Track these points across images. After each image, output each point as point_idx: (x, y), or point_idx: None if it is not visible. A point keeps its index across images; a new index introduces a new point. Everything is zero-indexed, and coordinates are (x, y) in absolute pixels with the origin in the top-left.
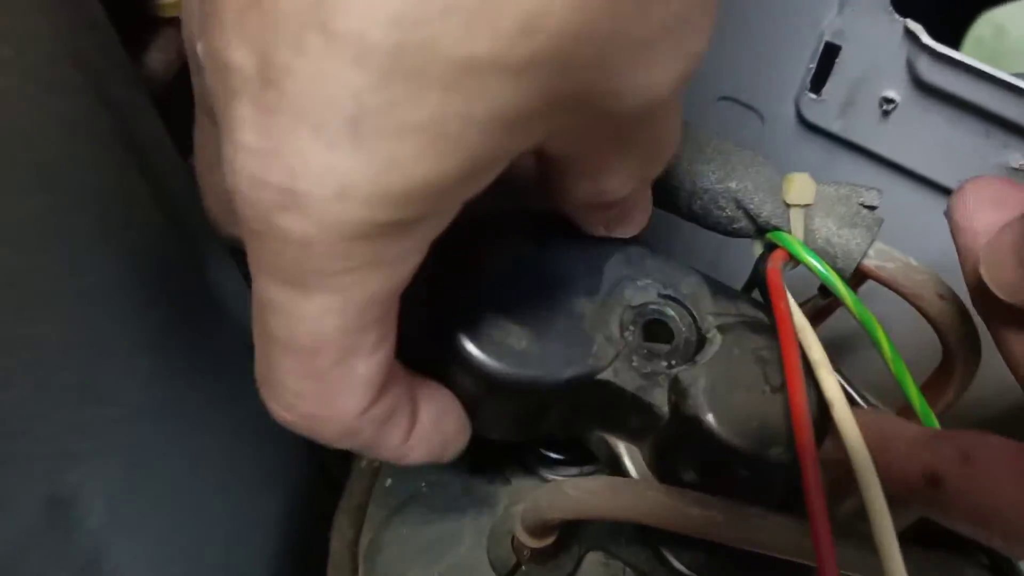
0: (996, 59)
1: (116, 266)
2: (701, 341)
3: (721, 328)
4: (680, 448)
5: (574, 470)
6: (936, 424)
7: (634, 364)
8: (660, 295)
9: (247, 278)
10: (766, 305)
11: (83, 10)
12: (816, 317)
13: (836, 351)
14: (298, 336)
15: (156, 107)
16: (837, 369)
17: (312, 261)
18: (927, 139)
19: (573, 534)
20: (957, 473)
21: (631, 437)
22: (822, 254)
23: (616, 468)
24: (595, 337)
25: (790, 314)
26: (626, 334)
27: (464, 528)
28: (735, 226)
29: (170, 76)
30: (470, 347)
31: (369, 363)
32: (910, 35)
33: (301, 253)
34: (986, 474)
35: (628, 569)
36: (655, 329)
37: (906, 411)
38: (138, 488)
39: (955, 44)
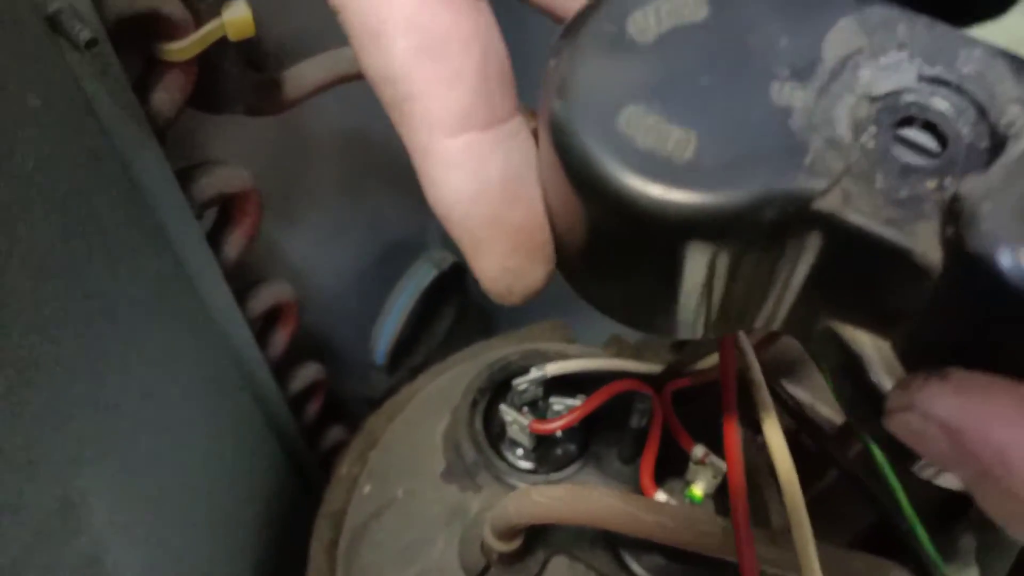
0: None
1: (121, 290)
2: (997, 146)
3: None
4: (965, 323)
5: (542, 478)
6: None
7: (879, 186)
8: (922, 77)
9: (236, 295)
10: None
11: (99, 59)
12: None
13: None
14: None
15: (160, 138)
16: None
17: None
18: None
19: (539, 539)
20: None
21: (877, 323)
22: None
23: (859, 379)
24: (810, 141)
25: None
26: (865, 137)
27: (437, 533)
28: None
29: (174, 113)
30: (599, 155)
31: None
32: None
33: None
34: None
35: (591, 572)
36: (918, 132)
37: None
38: (135, 493)
39: None
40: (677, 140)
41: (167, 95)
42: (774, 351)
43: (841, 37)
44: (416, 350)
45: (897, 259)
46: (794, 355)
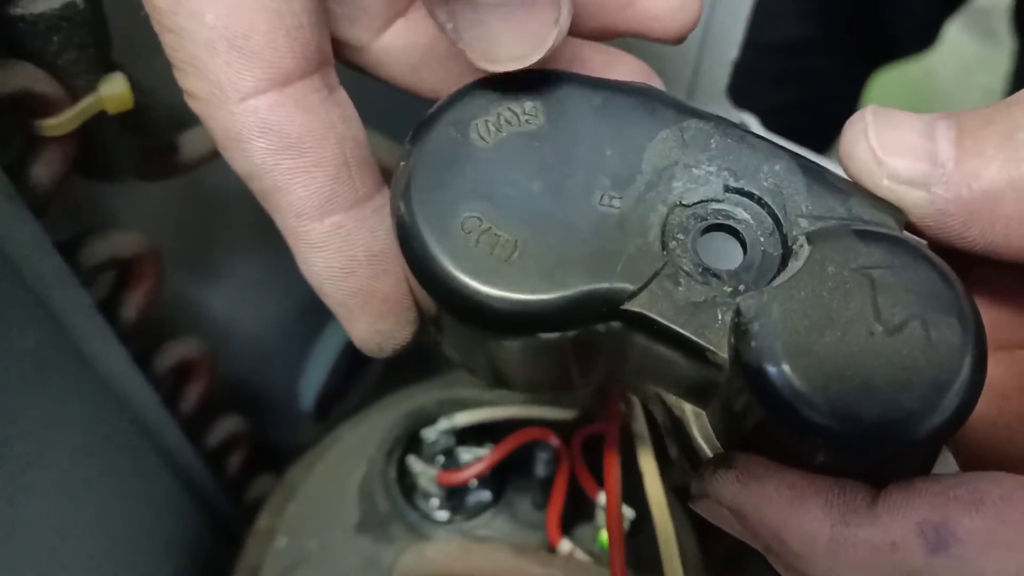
0: (928, 101)
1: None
2: (786, 256)
3: (814, 236)
4: (756, 419)
5: (456, 528)
6: None
7: (680, 288)
8: (728, 188)
9: (136, 359)
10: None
11: None
12: None
13: None
14: None
15: (40, 211)
16: None
17: None
18: None
19: None
20: (973, 524)
21: (692, 397)
22: None
23: (682, 438)
24: (624, 247)
25: (618, 394)
26: (673, 244)
27: None
28: None
29: (55, 186)
30: (436, 256)
31: None
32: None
33: None
34: (1017, 516)
35: None
36: (720, 239)
37: None
38: (18, 564)
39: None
40: (504, 244)
41: (46, 169)
42: None
43: (660, 149)
44: (347, 396)
45: (695, 353)
46: None
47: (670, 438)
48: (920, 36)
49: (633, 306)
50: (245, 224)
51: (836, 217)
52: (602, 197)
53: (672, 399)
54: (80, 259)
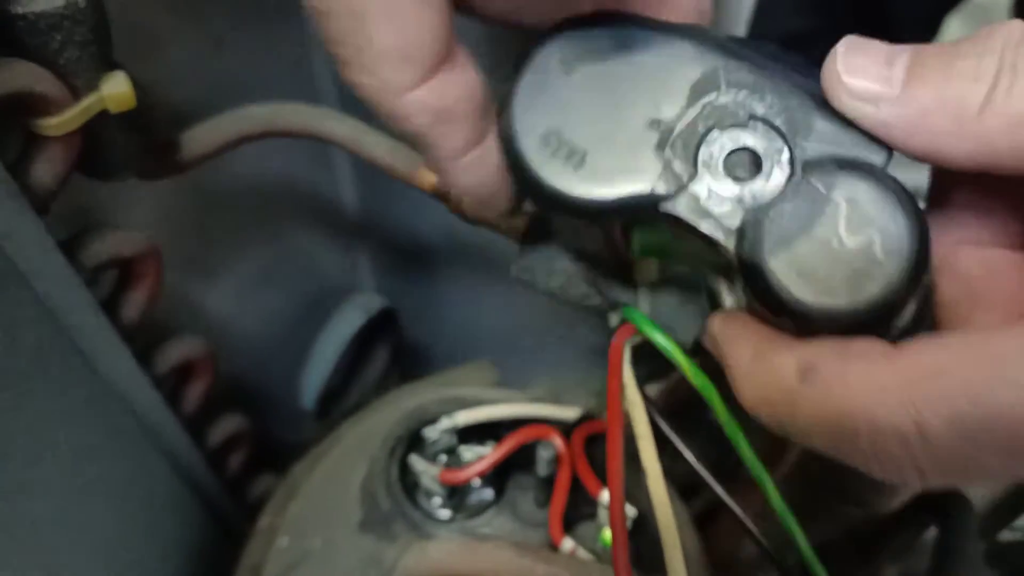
0: None
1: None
2: (793, 175)
3: (807, 165)
4: (749, 295)
5: (458, 526)
6: (771, 487)
7: (706, 196)
8: (752, 117)
9: (138, 359)
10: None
11: None
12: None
13: None
14: None
15: (42, 209)
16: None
17: None
18: None
19: None
20: (833, 364)
21: (721, 275)
22: (666, 328)
23: (715, 304)
24: (666, 160)
25: (620, 393)
26: (703, 161)
27: None
28: (588, 302)
29: (57, 185)
30: (529, 163)
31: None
32: None
33: None
34: (864, 362)
35: None
36: (743, 158)
37: None
38: (23, 562)
39: None
40: (577, 155)
41: (48, 168)
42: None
43: (703, 83)
44: (348, 395)
45: (712, 245)
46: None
47: (710, 299)
48: (920, 29)
49: (668, 208)
50: (245, 223)
51: (837, 145)
52: (652, 120)
53: (710, 275)
54: (82, 258)
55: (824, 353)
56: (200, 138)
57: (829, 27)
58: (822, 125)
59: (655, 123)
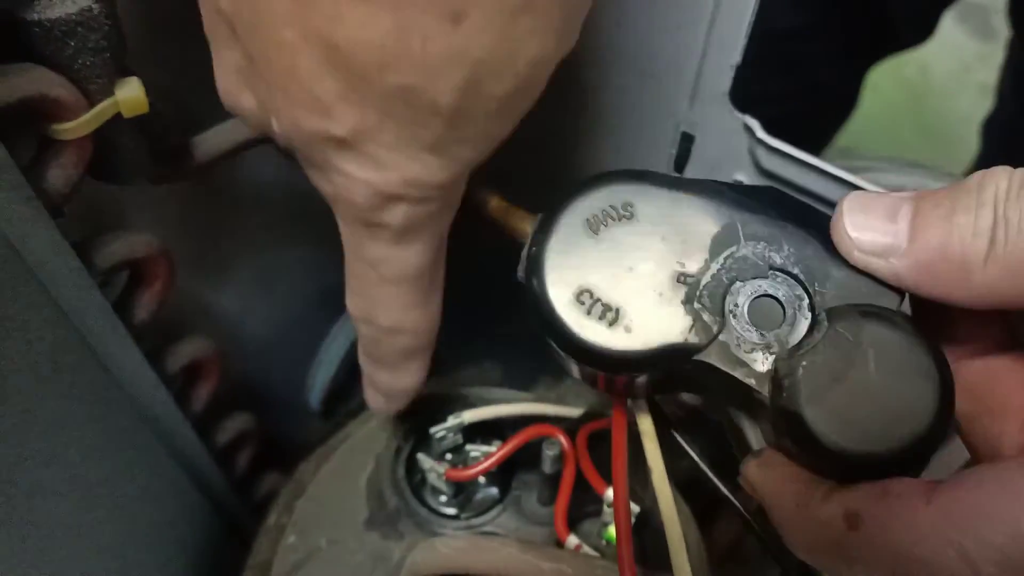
0: (923, 96)
1: (9, 365)
2: (815, 321)
3: (831, 314)
4: (781, 434)
5: (464, 524)
6: None
7: (736, 345)
8: (773, 267)
9: (148, 359)
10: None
11: None
12: None
13: None
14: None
15: (56, 212)
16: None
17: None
18: None
19: None
20: (876, 509)
21: (749, 415)
22: None
23: (742, 442)
24: (695, 312)
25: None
26: (730, 311)
27: None
28: None
29: (71, 189)
30: (565, 322)
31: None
32: (748, 129)
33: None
34: (905, 505)
35: None
36: (766, 306)
37: None
38: (36, 560)
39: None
40: (611, 312)
41: (62, 172)
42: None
43: (722, 236)
44: (352, 395)
45: (747, 391)
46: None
47: (736, 444)
48: (917, 27)
49: (702, 357)
50: (252, 224)
51: (852, 291)
52: (680, 276)
53: (736, 413)
54: (95, 260)
55: (867, 499)
56: (210, 143)
57: (824, 25)
58: (837, 273)
59: (682, 276)
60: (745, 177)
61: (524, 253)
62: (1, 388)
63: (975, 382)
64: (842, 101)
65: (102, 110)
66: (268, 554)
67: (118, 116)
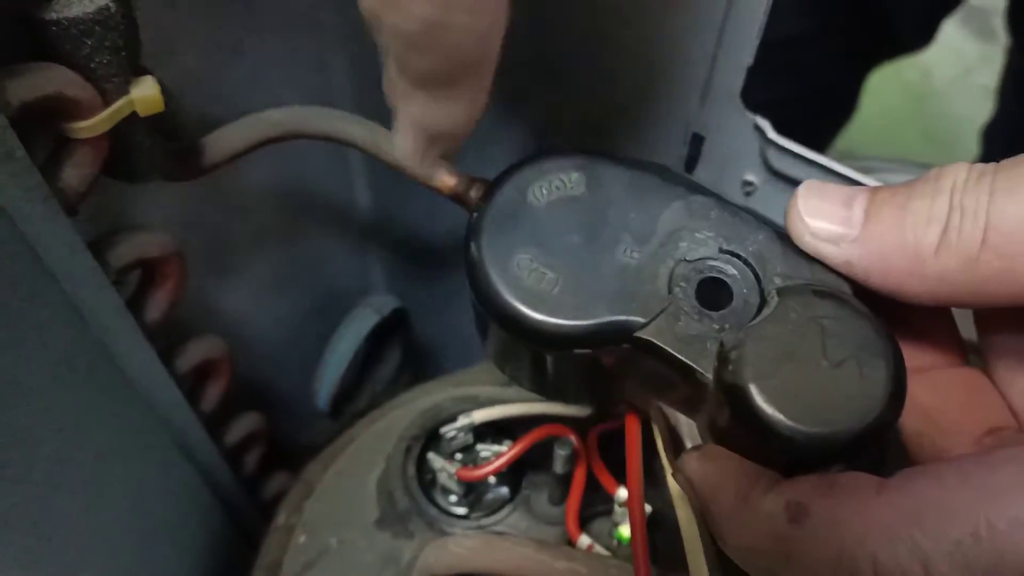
0: (924, 99)
1: (26, 364)
2: (761, 304)
3: (783, 291)
4: (730, 424)
5: (474, 524)
6: None
7: (680, 323)
8: (722, 250)
9: (161, 356)
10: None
11: (3, 146)
12: None
13: None
14: None
15: (70, 211)
16: None
17: None
18: (782, 217)
19: None
20: (823, 500)
21: (685, 407)
22: None
23: (676, 441)
24: (639, 290)
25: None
26: (676, 290)
27: None
28: None
29: (86, 187)
30: (498, 286)
31: None
32: (759, 129)
33: None
34: (855, 497)
35: None
36: (713, 288)
37: None
38: (50, 560)
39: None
40: (548, 280)
41: (77, 171)
42: None
43: (672, 216)
44: (360, 395)
45: (688, 373)
46: None
47: (666, 441)
48: (918, 32)
49: (643, 334)
50: (260, 225)
51: (802, 278)
52: (625, 250)
53: (670, 411)
54: (108, 260)
55: (812, 491)
56: (222, 141)
57: (827, 29)
58: (788, 259)
59: (627, 251)
60: (755, 177)
61: (467, 220)
62: (18, 388)
63: (921, 398)
64: (842, 104)
65: (118, 109)
66: (278, 554)
67: (133, 115)
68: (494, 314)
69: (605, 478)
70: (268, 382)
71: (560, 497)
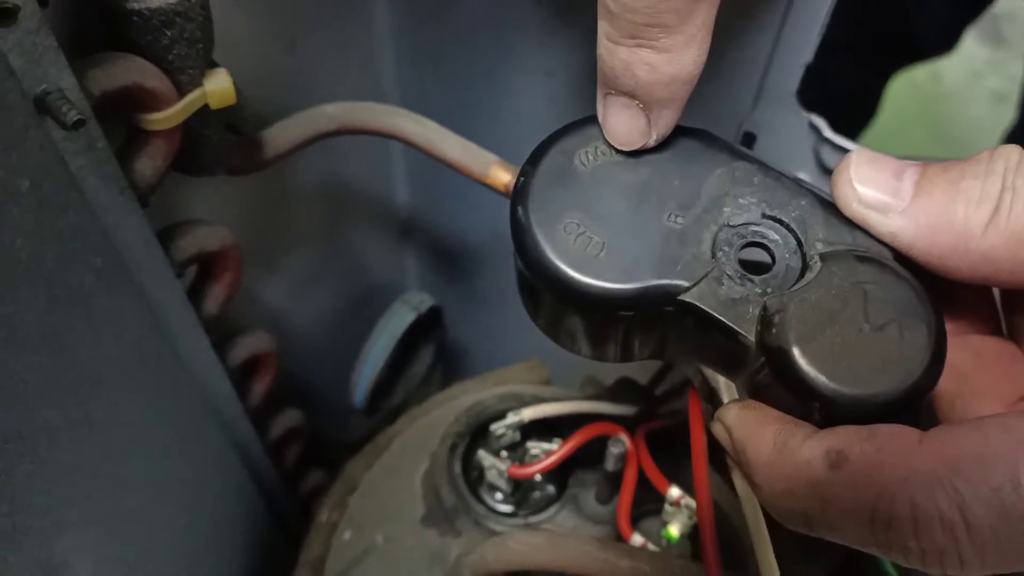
0: (935, 102)
1: (103, 356)
2: (804, 270)
3: (825, 256)
4: (771, 385)
5: (521, 521)
6: None
7: (723, 287)
8: (764, 216)
9: (215, 348)
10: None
11: (85, 136)
12: None
13: None
14: None
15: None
16: None
17: None
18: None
19: None
20: (862, 449)
21: (725, 370)
22: None
23: (715, 402)
24: (683, 254)
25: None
26: (720, 254)
27: None
28: None
29: (157, 179)
30: (545, 250)
31: None
32: (814, 128)
33: None
34: (896, 444)
35: None
36: (755, 253)
37: None
38: (116, 553)
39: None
40: (594, 244)
41: (150, 162)
42: None
43: (716, 182)
44: (394, 392)
45: (731, 336)
46: None
47: (708, 404)
48: (941, 40)
49: (687, 297)
50: (300, 221)
51: (844, 244)
52: (669, 215)
53: (709, 372)
54: (172, 251)
55: (853, 439)
56: (280, 135)
57: (854, 37)
58: (831, 226)
59: (672, 216)
60: (807, 175)
61: (514, 184)
62: (95, 381)
63: (961, 361)
64: (864, 108)
65: (192, 101)
66: (321, 550)
67: (204, 107)
68: (540, 277)
69: (655, 476)
70: (306, 378)
71: (608, 495)
